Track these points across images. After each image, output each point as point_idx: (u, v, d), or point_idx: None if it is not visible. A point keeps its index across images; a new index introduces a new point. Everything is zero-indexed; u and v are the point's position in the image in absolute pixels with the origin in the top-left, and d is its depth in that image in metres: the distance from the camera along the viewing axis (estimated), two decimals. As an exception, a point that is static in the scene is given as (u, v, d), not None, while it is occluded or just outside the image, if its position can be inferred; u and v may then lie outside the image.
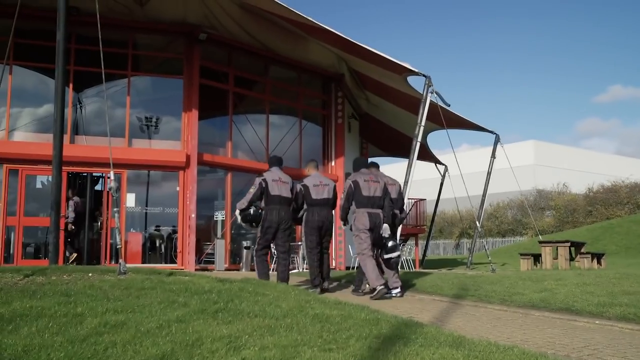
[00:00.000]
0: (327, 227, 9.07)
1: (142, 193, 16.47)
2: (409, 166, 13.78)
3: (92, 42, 12.60)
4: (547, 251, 16.03)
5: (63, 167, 10.11)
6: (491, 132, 19.29)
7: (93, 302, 5.44)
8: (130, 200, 15.83)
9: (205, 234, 17.46)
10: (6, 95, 15.15)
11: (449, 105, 15.41)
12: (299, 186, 9.14)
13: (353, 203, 8.66)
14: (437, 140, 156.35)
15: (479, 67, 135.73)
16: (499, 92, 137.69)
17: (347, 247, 19.31)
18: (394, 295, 8.59)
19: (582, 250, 16.84)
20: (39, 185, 15.80)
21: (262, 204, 8.88)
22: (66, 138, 13.90)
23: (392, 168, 53.54)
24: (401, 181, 10.68)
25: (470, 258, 18.75)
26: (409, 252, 20.27)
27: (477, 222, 18.14)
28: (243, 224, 9.14)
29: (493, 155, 18.85)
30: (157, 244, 16.63)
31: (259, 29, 17.59)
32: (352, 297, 8.34)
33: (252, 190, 8.86)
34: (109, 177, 14.22)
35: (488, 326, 6.05)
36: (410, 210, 25.23)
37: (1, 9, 14.20)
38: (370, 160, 9.87)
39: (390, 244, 8.56)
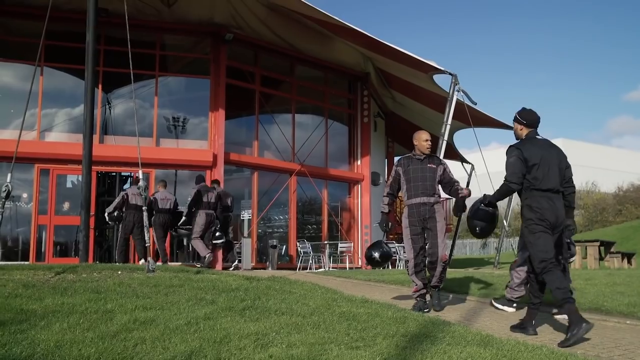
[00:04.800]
0: (169, 225, 13.12)
1: (170, 192, 16.62)
2: (436, 165, 13.69)
3: (120, 43, 12.75)
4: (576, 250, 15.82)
5: (92, 167, 10.25)
6: (518, 130, 19.10)
7: (123, 299, 5.52)
8: (158, 199, 15.96)
9: (231, 232, 17.55)
10: (37, 97, 15.39)
11: (476, 104, 15.29)
12: (151, 197, 12.85)
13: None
14: (466, 139, 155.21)
15: (506, 66, 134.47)
16: (528, 91, 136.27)
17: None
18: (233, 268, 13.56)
19: (612, 249, 16.59)
20: (69, 185, 16.04)
21: (124, 209, 12.73)
22: (95, 138, 14.08)
23: (418, 167, 53.31)
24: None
25: (497, 257, 18.59)
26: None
27: (504, 222, 17.98)
28: (110, 222, 13.09)
29: (520, 154, 18.66)
30: (185, 243, 16.75)
31: (285, 29, 17.64)
32: (378, 296, 8.34)
33: (117, 200, 12.81)
34: (137, 177, 14.54)
35: (516, 325, 5.99)
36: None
37: (33, 11, 14.47)
38: (215, 178, 14.60)
39: (217, 234, 13.20)
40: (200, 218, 12.71)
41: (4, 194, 7.66)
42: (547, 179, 5.46)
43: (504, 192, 5.73)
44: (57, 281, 6.63)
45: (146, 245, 8.76)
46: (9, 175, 7.86)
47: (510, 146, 5.69)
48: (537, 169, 5.45)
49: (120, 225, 12.94)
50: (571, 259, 6.92)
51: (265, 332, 4.38)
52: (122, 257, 12.76)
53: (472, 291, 8.72)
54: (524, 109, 5.86)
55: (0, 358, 3.52)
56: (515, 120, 5.84)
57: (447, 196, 7.63)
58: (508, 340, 4.53)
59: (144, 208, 8.89)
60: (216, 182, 14.05)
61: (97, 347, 3.82)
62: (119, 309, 5.05)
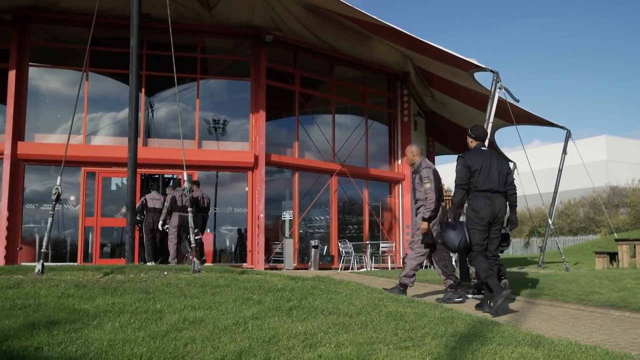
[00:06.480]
0: (157, 223, 13.66)
1: (212, 193, 16.80)
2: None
3: (162, 47, 12.98)
4: (624, 249, 15.44)
5: (137, 169, 10.43)
6: (562, 127, 18.75)
7: (171, 299, 5.59)
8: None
9: (273, 233, 17.67)
10: (83, 101, 15.72)
11: (518, 101, 15.06)
12: (142, 199, 14.03)
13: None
14: (508, 137, 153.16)
15: (549, 63, 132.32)
16: (572, 88, 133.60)
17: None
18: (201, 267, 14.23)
19: (662, 248, 16.14)
20: (113, 187, 16.34)
21: (145, 212, 13.91)
22: (139, 141, 14.32)
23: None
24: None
25: (541, 257, 18.27)
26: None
27: (548, 220, 17.68)
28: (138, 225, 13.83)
29: (564, 151, 18.30)
30: (227, 244, 16.93)
31: (324, 29, 17.67)
32: (423, 295, 8.29)
33: (137, 205, 13.56)
34: (179, 178, 14.81)
35: (566, 326, 5.89)
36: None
37: (78, 18, 14.81)
38: (195, 180, 15.02)
39: (195, 231, 13.38)
40: (175, 220, 13.39)
41: (54, 197, 7.83)
42: (486, 181, 6.77)
43: (456, 194, 6.95)
44: (107, 281, 6.75)
45: (192, 245, 8.81)
46: (59, 178, 8.02)
47: (458, 156, 7.05)
48: (478, 173, 6.77)
49: (142, 228, 13.85)
50: (505, 248, 8.15)
51: (313, 332, 4.39)
52: (152, 253, 13.73)
53: (518, 291, 8.60)
54: (475, 126, 7.48)
55: (57, 356, 3.60)
56: (468, 135, 7.32)
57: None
58: (560, 340, 4.44)
59: (189, 209, 8.95)
60: (196, 183, 14.56)
61: (148, 346, 3.87)
62: (168, 308, 5.11)
